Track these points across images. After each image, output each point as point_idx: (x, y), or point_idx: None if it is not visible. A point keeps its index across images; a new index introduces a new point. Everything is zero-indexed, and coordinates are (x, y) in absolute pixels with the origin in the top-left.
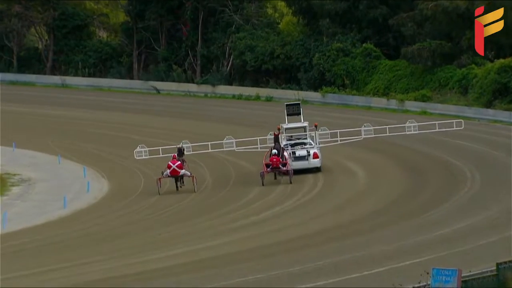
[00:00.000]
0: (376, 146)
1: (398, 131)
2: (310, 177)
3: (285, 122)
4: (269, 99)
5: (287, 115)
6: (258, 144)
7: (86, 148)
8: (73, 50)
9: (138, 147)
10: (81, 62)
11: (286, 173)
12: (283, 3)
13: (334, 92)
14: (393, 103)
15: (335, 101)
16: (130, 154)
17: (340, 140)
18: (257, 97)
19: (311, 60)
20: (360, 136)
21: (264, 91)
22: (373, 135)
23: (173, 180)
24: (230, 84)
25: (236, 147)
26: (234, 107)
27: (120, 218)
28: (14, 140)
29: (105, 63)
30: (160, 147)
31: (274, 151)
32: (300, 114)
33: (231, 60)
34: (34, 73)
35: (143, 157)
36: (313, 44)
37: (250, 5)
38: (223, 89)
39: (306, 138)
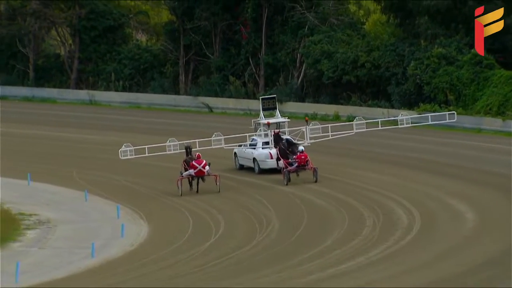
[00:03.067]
0: (483, 179)
1: (390, 124)
2: (403, 217)
3: (260, 118)
4: (351, 119)
5: (263, 110)
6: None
7: (119, 182)
8: (103, 58)
9: (123, 146)
10: (114, 73)
11: (314, 171)
12: None
13: (434, 111)
14: (510, 125)
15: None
16: (174, 189)
17: (331, 135)
18: (336, 117)
19: (405, 70)
20: (352, 131)
21: (345, 109)
22: (365, 129)
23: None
24: (302, 100)
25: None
26: None
27: (163, 270)
28: (29, 171)
29: (144, 74)
30: (146, 146)
31: (301, 147)
32: (276, 108)
33: (302, 70)
34: (55, 86)
35: (129, 156)
36: (408, 49)
37: (327, 1)
38: (292, 106)
39: (285, 134)
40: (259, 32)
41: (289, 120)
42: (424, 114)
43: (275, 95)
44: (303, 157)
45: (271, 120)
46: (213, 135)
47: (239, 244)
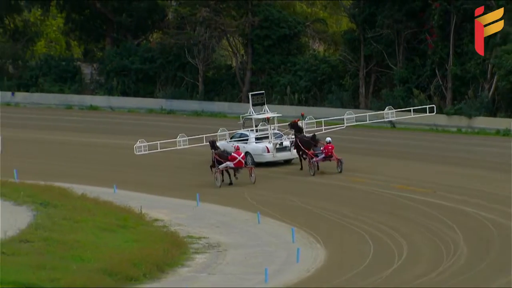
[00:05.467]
0: None
1: (377, 118)
2: None
3: (250, 113)
4: None
5: (252, 105)
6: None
7: (293, 203)
8: (277, 69)
9: (138, 142)
10: (289, 86)
11: (339, 162)
12: None
13: None
14: None
15: None
16: (352, 210)
17: (325, 130)
18: None
19: None
20: (343, 125)
21: None
22: (354, 123)
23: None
24: (493, 115)
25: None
26: (500, 147)
27: None
28: (197, 191)
29: (321, 87)
30: (158, 141)
31: (328, 138)
32: (264, 103)
33: (494, 82)
34: (226, 100)
35: (143, 152)
36: None
37: None
38: (483, 121)
39: (274, 129)
40: (446, 41)
41: (280, 115)
42: None
43: (263, 91)
44: (330, 147)
45: (266, 115)
46: (219, 130)
47: (424, 271)
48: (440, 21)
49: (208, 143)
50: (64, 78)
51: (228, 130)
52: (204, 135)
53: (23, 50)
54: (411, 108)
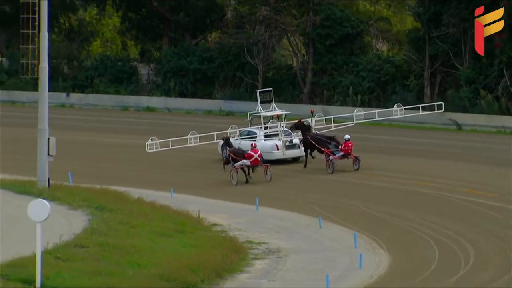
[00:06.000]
0: None
1: (386, 115)
2: None
3: (258, 110)
4: None
5: (261, 102)
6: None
7: (353, 207)
8: (339, 70)
9: (150, 140)
10: (351, 87)
11: (356, 160)
12: None
13: None
14: None
15: None
16: (417, 214)
17: (334, 127)
18: None
19: None
20: (352, 122)
21: None
22: (364, 120)
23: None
24: None
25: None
26: None
27: None
28: (256, 195)
29: (384, 88)
30: (170, 139)
31: (347, 136)
32: (272, 101)
33: None
34: (286, 101)
35: (155, 149)
36: None
37: None
38: None
39: (283, 126)
40: None
41: (288, 112)
42: None
43: (271, 88)
44: (350, 144)
45: (275, 112)
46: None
47: (491, 277)
48: (509, 19)
49: (221, 140)
50: (120, 78)
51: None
52: (215, 133)
53: (78, 50)
54: (419, 105)
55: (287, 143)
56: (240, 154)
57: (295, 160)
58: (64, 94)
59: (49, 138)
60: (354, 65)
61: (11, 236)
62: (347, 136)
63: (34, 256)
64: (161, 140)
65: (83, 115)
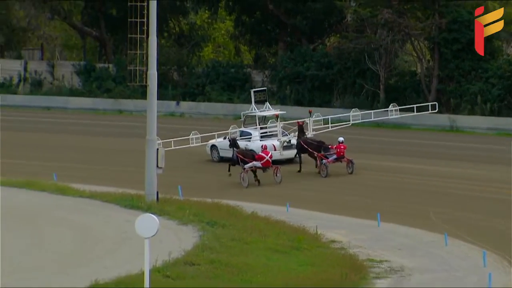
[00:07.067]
0: None
1: (382, 115)
2: None
3: (252, 110)
4: None
5: (255, 102)
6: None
7: (475, 220)
8: (467, 76)
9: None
10: (480, 95)
11: (349, 163)
12: None
13: None
14: None
15: None
16: None
17: (331, 127)
18: None
19: None
20: (348, 122)
21: None
22: (360, 121)
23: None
24: None
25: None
26: None
27: None
28: (377, 209)
29: None
30: (172, 139)
31: (341, 138)
32: (266, 100)
33: None
34: (410, 109)
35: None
36: None
37: None
38: None
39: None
40: None
41: (284, 112)
42: None
43: (265, 88)
44: (342, 147)
45: (269, 112)
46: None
47: None
48: None
49: (228, 141)
50: (233, 86)
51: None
52: (216, 133)
53: (188, 55)
54: (414, 106)
55: (285, 144)
56: (250, 155)
57: (288, 160)
58: (173, 103)
59: (157, 149)
60: (483, 71)
61: (118, 252)
62: (340, 139)
63: (142, 274)
64: (163, 140)
65: (194, 124)
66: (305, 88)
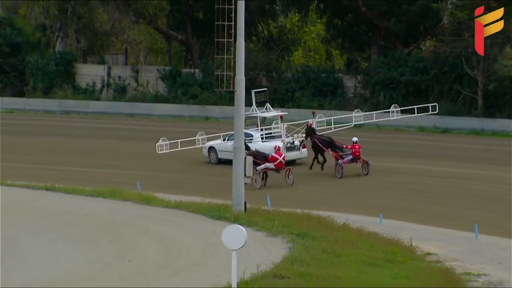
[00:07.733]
0: None
1: (384, 116)
2: None
3: (253, 111)
4: None
5: (256, 103)
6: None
7: None
8: None
9: (160, 140)
10: None
11: (365, 164)
12: None
13: None
14: None
15: None
16: None
17: (334, 128)
18: None
19: None
20: (351, 123)
21: None
22: (362, 121)
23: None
24: None
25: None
26: None
27: None
28: (475, 221)
29: None
30: (179, 140)
31: (355, 138)
32: (267, 101)
33: None
34: (509, 116)
35: (165, 151)
36: None
37: None
38: None
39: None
40: None
41: (286, 113)
42: None
43: (266, 88)
44: (357, 147)
45: (272, 114)
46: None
47: None
48: None
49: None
50: (324, 92)
51: None
52: (222, 134)
53: (277, 60)
54: (415, 107)
55: (288, 145)
56: (261, 157)
57: (291, 162)
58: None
59: (245, 158)
60: None
61: (204, 265)
62: (354, 139)
63: (229, 287)
64: (171, 141)
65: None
66: (399, 94)
